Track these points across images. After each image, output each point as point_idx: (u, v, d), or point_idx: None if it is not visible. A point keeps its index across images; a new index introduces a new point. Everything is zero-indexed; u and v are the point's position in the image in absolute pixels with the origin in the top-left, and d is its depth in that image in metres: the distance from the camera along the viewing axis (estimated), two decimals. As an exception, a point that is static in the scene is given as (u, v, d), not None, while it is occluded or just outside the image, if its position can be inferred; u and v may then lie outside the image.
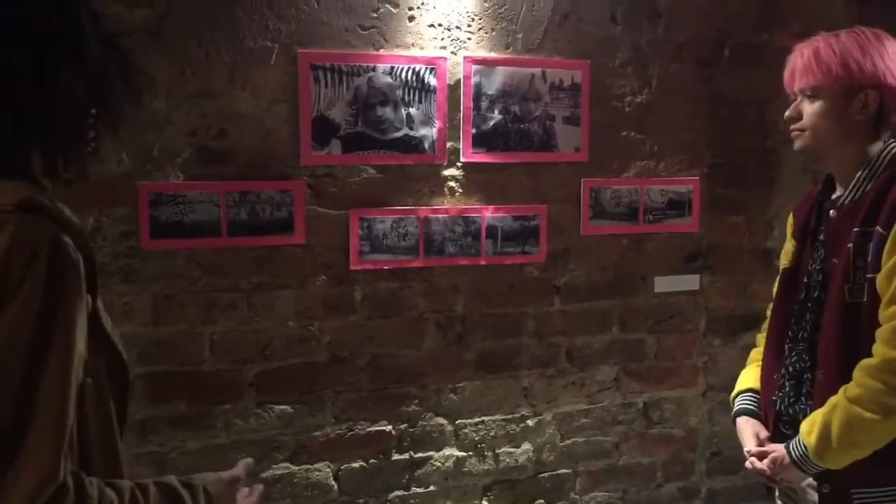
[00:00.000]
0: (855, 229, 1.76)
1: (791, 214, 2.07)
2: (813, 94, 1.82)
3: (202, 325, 2.60)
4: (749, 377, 2.12)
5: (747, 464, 1.92)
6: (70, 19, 1.12)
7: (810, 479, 1.85)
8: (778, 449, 1.85)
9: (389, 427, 2.85)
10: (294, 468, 2.74)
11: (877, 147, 1.81)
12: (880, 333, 1.68)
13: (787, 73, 1.88)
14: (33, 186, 1.11)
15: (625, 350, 3.13)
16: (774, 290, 2.06)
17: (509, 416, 3.00)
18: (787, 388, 1.91)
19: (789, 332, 1.94)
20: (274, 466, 2.72)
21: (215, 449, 2.65)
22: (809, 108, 1.84)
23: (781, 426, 1.92)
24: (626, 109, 2.99)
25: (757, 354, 2.13)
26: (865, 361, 1.69)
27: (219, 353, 2.62)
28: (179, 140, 2.52)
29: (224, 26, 2.51)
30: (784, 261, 2.04)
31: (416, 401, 2.88)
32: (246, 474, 1.38)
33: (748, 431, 1.98)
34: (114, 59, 1.19)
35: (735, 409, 2.08)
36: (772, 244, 3.24)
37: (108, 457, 1.22)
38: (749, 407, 2.04)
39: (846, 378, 1.73)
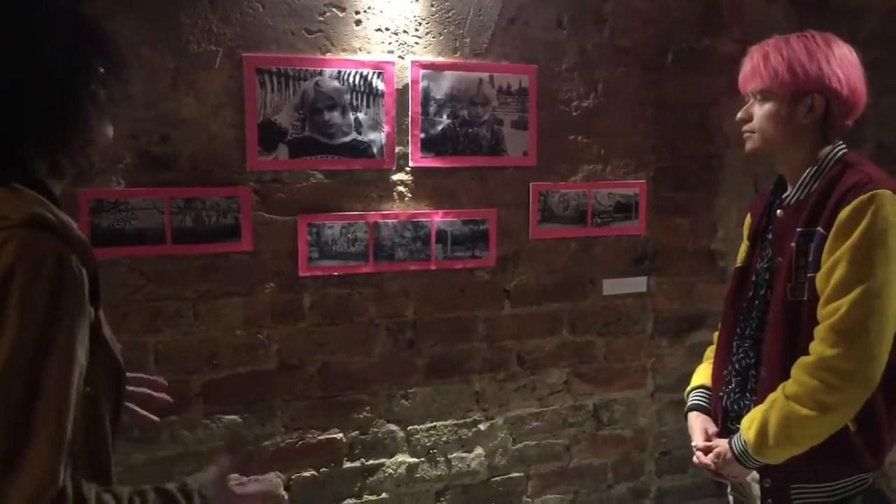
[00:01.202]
0: (798, 229, 1.79)
1: (748, 214, 2.10)
2: (762, 97, 1.86)
3: (146, 334, 2.54)
4: (702, 374, 2.16)
5: (694, 458, 1.96)
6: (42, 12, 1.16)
7: (755, 474, 1.89)
8: (722, 444, 1.88)
9: (340, 435, 2.82)
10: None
11: (825, 150, 1.84)
12: (817, 331, 1.72)
13: (740, 75, 1.92)
14: (40, 195, 1.15)
15: (575, 353, 3.14)
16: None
17: (461, 421, 2.99)
18: (733, 385, 1.95)
19: (737, 330, 1.98)
20: (223, 478, 2.66)
21: (161, 461, 2.58)
22: (759, 111, 1.88)
23: (728, 422, 1.96)
24: (574, 114, 3.01)
25: (711, 352, 2.16)
26: (803, 359, 1.73)
27: (164, 363, 2.55)
28: (121, 145, 2.45)
29: (167, 30, 2.46)
30: (738, 260, 2.08)
31: (368, 407, 2.85)
32: (235, 454, 1.44)
33: (698, 427, 2.02)
34: (93, 44, 1.23)
35: (687, 405, 2.12)
36: (716, 246, 3.30)
37: (100, 464, 1.24)
38: (700, 403, 2.08)
39: (788, 375, 1.76)
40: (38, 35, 1.17)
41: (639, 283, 3.20)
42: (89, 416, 1.22)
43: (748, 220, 2.10)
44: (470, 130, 2.86)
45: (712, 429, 1.98)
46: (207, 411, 2.64)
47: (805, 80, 1.78)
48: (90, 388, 1.19)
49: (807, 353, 1.73)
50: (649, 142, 3.14)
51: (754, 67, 1.86)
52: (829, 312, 1.69)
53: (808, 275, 1.75)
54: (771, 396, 1.78)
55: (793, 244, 1.79)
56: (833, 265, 1.69)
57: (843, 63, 1.80)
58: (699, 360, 2.23)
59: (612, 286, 3.16)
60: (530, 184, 2.96)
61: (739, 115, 1.94)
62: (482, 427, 3.03)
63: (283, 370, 2.72)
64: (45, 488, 1.02)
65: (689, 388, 2.18)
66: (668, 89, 3.14)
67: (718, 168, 3.26)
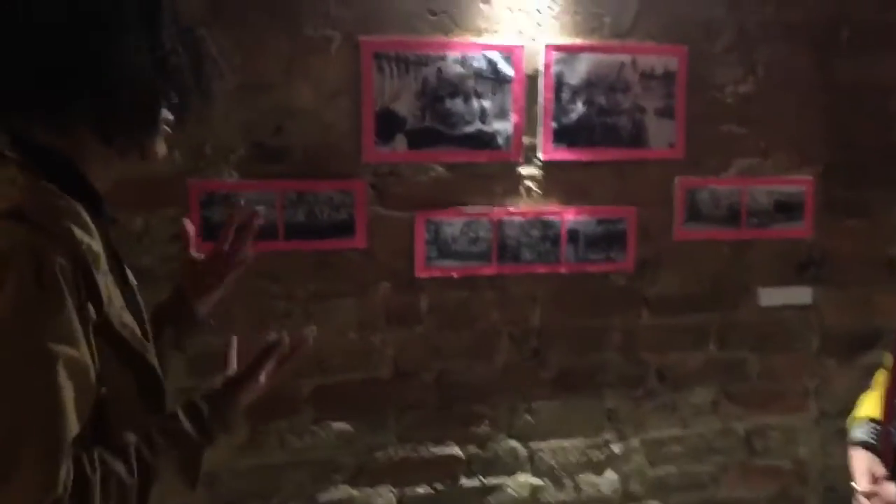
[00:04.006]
0: None
1: None
2: None
3: (256, 334, 2.42)
4: (871, 404, 1.96)
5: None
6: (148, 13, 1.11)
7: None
8: (891, 491, 1.71)
9: (458, 449, 2.64)
10: (354, 492, 2.55)
11: None
12: None
13: None
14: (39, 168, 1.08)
15: (724, 370, 2.83)
16: None
17: (591, 441, 2.74)
18: None
19: None
20: (332, 489, 2.53)
21: (269, 469, 2.48)
22: None
23: (901, 465, 1.75)
24: (728, 100, 2.70)
25: (883, 376, 1.87)
26: None
27: (273, 365, 2.44)
28: (233, 136, 2.36)
29: (280, 14, 2.34)
30: None
31: (487, 421, 2.65)
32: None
33: (863, 467, 1.82)
34: (188, 53, 1.15)
35: (850, 438, 1.91)
36: (897, 252, 2.86)
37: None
38: (866, 438, 1.87)
39: None
40: None
41: (802, 294, 2.85)
42: (116, 420, 1.13)
43: None
44: (608, 119, 2.58)
45: (880, 471, 1.79)
46: (317, 417, 2.51)
47: None
48: (110, 389, 1.11)
49: None
50: (818, 132, 2.77)
51: None
52: None
53: None
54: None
55: None
56: None
57: None
58: None
59: (770, 296, 2.82)
60: (676, 179, 2.67)
61: None
62: (615, 449, 2.76)
63: (398, 377, 2.56)
64: (41, 500, 0.97)
65: (853, 416, 1.93)
66: (843, 71, 2.76)
67: (902, 163, 2.82)
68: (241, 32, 2.32)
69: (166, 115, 1.18)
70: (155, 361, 1.22)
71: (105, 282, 1.12)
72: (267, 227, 2.38)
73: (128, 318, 1.17)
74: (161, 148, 1.23)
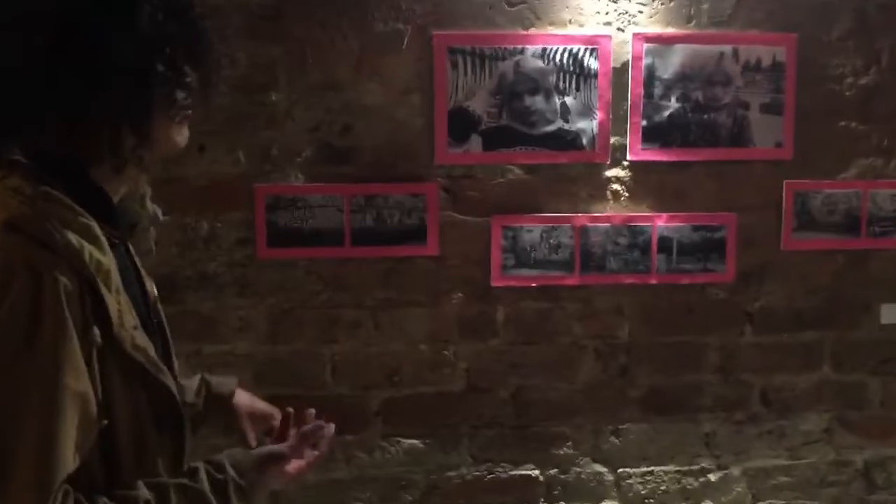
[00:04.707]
0: None
1: None
2: None
3: (323, 344, 2.34)
4: None
5: None
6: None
7: None
8: None
9: (537, 472, 2.46)
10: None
11: None
12: None
13: None
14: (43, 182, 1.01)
15: (840, 394, 2.54)
16: None
17: (686, 468, 2.51)
18: None
19: None
20: (401, 508, 2.40)
21: (336, 484, 2.39)
22: None
23: None
24: (846, 94, 2.41)
25: None
26: None
27: (341, 377, 2.36)
28: (300, 137, 2.27)
29: (350, 8, 2.23)
30: None
31: (570, 443, 2.46)
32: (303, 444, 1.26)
33: None
34: (178, 33, 1.06)
35: None
36: None
37: None
38: None
39: None
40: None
41: None
42: (130, 451, 1.06)
43: None
44: (705, 116, 2.35)
45: None
46: (386, 433, 2.39)
47: None
48: (121, 416, 1.04)
49: None
50: (953, 129, 2.42)
51: None
52: None
53: None
54: None
55: None
56: None
57: None
58: None
59: (895, 313, 2.47)
60: (784, 182, 2.41)
61: None
62: (712, 477, 2.51)
63: (472, 393, 2.41)
64: None
65: None
66: (983, 59, 2.40)
67: None
68: (309, 28, 2.22)
69: (181, 99, 1.08)
70: (172, 384, 1.13)
71: (116, 300, 1.03)
72: (334, 233, 2.29)
73: (141, 339, 1.08)
74: (179, 136, 1.12)
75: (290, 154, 2.27)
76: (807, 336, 2.49)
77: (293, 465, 1.23)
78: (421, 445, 2.41)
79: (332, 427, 1.32)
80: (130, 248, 1.19)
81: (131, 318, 1.06)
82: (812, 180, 2.41)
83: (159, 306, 1.24)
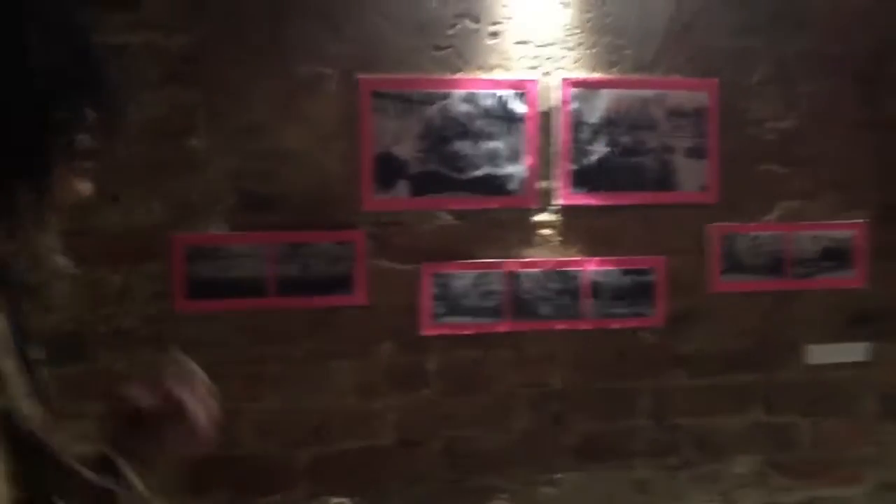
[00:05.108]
0: None
1: None
2: None
3: (246, 400, 2.23)
4: None
5: None
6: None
7: None
8: None
9: (471, 526, 2.37)
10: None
11: None
12: None
13: None
14: None
15: (771, 436, 2.56)
16: None
17: (621, 516, 2.46)
18: None
19: None
20: (331, 572, 2.29)
21: (261, 548, 2.25)
22: None
23: None
24: (767, 137, 2.46)
25: None
26: None
27: (266, 435, 2.26)
28: (221, 184, 2.19)
29: (271, 50, 2.17)
30: None
31: (505, 494, 2.41)
32: None
33: None
34: (76, 69, 0.94)
35: None
36: (964, 304, 2.56)
37: None
38: None
39: None
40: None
41: (857, 351, 2.59)
42: None
43: None
44: (632, 160, 2.36)
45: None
46: (314, 491, 2.29)
47: None
48: None
49: None
50: (869, 172, 2.53)
51: None
52: None
53: None
54: None
55: None
56: None
57: None
58: None
59: (821, 353, 2.56)
60: (710, 225, 2.42)
61: None
62: (648, 524, 2.47)
63: (403, 447, 2.34)
64: None
65: None
66: (893, 107, 2.50)
67: (965, 204, 2.54)
68: (229, 71, 2.15)
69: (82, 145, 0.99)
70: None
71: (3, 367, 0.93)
72: (258, 283, 2.20)
73: (30, 408, 0.97)
74: (81, 186, 1.02)
75: (210, 201, 2.18)
76: (737, 378, 2.51)
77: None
78: (350, 503, 2.31)
79: None
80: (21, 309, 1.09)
81: (20, 387, 0.96)
82: (738, 223, 2.44)
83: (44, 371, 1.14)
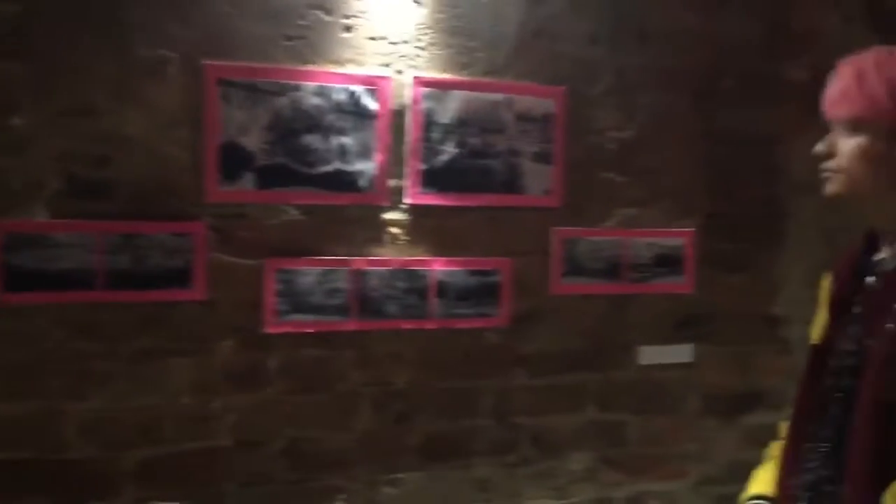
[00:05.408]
0: None
1: (827, 276, 1.63)
2: (852, 127, 1.42)
3: (69, 400, 2.09)
4: (762, 479, 1.73)
5: None
6: None
7: None
8: None
9: (310, 529, 2.33)
10: None
11: None
12: None
13: (825, 97, 1.46)
14: None
15: (603, 434, 2.65)
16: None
17: (461, 514, 2.49)
18: (804, 502, 1.49)
19: (811, 429, 1.53)
20: (158, 582, 2.18)
21: (81, 558, 2.11)
22: (846, 145, 1.44)
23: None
24: (608, 146, 2.55)
25: (777, 450, 1.69)
26: None
27: (89, 437, 2.12)
28: (45, 167, 2.02)
29: (108, 29, 2.04)
30: (814, 335, 1.61)
31: (345, 495, 2.38)
32: None
33: None
34: None
35: None
36: (778, 310, 2.81)
37: None
38: None
39: (878, 500, 1.31)
40: None
41: (683, 352, 2.72)
42: None
43: (826, 283, 1.64)
44: (481, 163, 2.39)
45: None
46: (140, 496, 2.17)
47: None
48: None
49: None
50: (699, 183, 2.67)
51: (844, 89, 1.43)
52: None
53: (911, 368, 1.33)
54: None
55: (890, 325, 1.36)
56: None
57: None
58: (755, 447, 1.74)
59: (651, 355, 2.68)
60: (553, 229, 2.49)
61: (819, 147, 1.49)
62: (486, 521, 2.51)
63: (241, 448, 2.26)
64: None
65: (744, 496, 1.73)
66: (724, 121, 2.68)
67: (783, 217, 2.76)
68: (61, 47, 2.00)
69: None
70: None
71: None
72: (85, 275, 2.05)
73: None
74: None
75: (33, 186, 2.02)
76: (574, 378, 2.59)
77: None
78: (182, 508, 2.21)
79: None
80: None
81: None
82: (579, 228, 2.52)
83: None
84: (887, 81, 1.37)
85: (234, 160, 2.16)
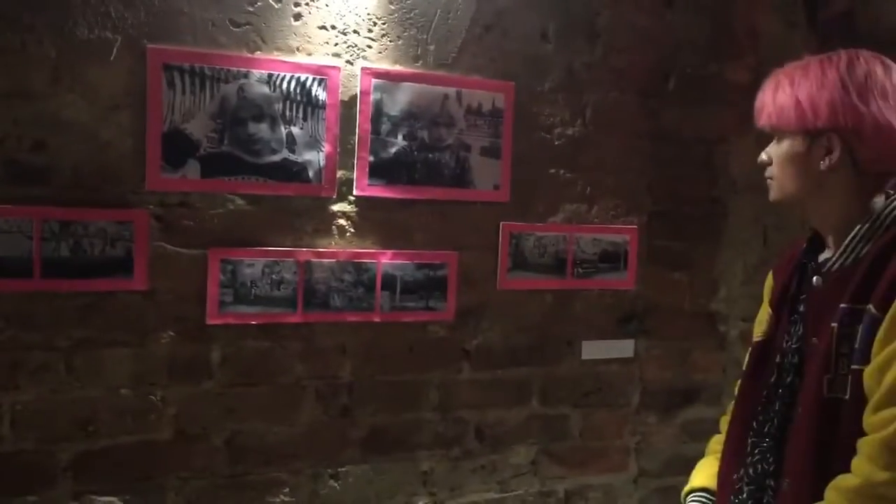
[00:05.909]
0: (842, 305, 1.39)
1: (770, 274, 1.69)
2: (777, 136, 1.50)
3: (3, 392, 2.02)
4: (704, 472, 1.75)
5: None
6: None
7: None
8: None
9: (252, 523, 2.29)
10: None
11: (879, 204, 1.43)
12: (864, 445, 1.31)
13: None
14: None
15: (545, 428, 2.66)
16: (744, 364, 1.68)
17: (403, 508, 2.48)
18: (745, 495, 1.54)
19: (754, 424, 1.57)
20: (93, 578, 2.12)
21: (12, 555, 2.04)
22: (775, 153, 1.52)
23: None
24: (556, 143, 2.55)
25: (718, 444, 1.75)
26: (843, 480, 1.32)
27: (23, 429, 2.04)
28: (-21, 150, 1.94)
29: (47, 8, 1.96)
30: (757, 331, 1.67)
31: (287, 489, 2.33)
32: None
33: None
34: None
35: None
36: (716, 306, 2.86)
37: None
38: None
39: (818, 494, 1.36)
40: None
41: (625, 347, 2.74)
42: None
43: (770, 281, 1.70)
44: (430, 156, 2.37)
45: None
46: (77, 490, 2.10)
47: (813, 117, 1.40)
48: None
49: (846, 468, 1.33)
50: (644, 181, 2.69)
51: (763, 99, 1.53)
52: (882, 422, 1.29)
53: (853, 367, 1.36)
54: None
55: (834, 324, 1.40)
56: (889, 360, 1.29)
57: (878, 92, 1.38)
58: (691, 441, 1.77)
59: (593, 349, 2.70)
60: (500, 223, 2.49)
61: (761, 155, 1.57)
62: (429, 515, 2.51)
63: (181, 441, 2.20)
64: None
65: (686, 489, 1.79)
66: (669, 120, 2.71)
67: (722, 215, 2.82)
68: (-3, 27, 1.93)
69: None
70: None
71: None
72: (20, 263, 1.98)
73: None
74: None
75: (-36, 169, 1.94)
76: (518, 372, 2.59)
77: None
78: (119, 503, 2.15)
79: None
80: None
81: None
82: (525, 223, 2.53)
83: None
84: (794, 91, 1.42)
85: (177, 147, 2.10)
